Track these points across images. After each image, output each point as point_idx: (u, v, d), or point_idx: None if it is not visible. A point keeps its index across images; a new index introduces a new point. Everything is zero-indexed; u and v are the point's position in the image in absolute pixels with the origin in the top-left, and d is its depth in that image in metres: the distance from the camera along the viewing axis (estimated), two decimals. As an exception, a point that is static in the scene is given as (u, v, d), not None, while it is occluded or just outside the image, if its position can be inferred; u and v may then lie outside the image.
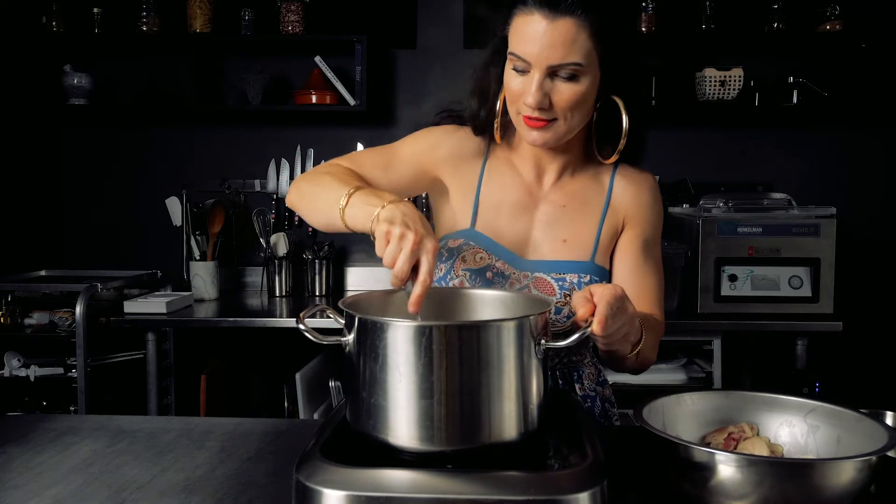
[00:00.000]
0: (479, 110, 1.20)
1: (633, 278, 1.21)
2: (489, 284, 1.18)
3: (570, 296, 1.18)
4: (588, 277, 1.19)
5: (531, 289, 1.18)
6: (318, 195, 1.09)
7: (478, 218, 1.22)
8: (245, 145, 3.15)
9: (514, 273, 1.19)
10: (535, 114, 1.08)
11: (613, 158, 1.18)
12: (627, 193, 1.24)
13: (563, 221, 1.22)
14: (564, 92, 1.07)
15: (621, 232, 1.24)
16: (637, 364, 1.11)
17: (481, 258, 1.19)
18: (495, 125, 1.18)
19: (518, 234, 1.21)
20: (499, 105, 1.16)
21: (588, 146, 1.22)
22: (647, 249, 1.24)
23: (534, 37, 1.04)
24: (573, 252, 1.21)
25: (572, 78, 1.06)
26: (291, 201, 1.18)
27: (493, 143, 1.24)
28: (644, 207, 1.24)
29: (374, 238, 0.92)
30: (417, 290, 0.87)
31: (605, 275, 1.22)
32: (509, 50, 1.09)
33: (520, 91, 1.08)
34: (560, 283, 1.18)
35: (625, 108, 1.13)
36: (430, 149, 1.24)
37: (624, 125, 1.14)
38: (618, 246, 1.24)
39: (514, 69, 1.08)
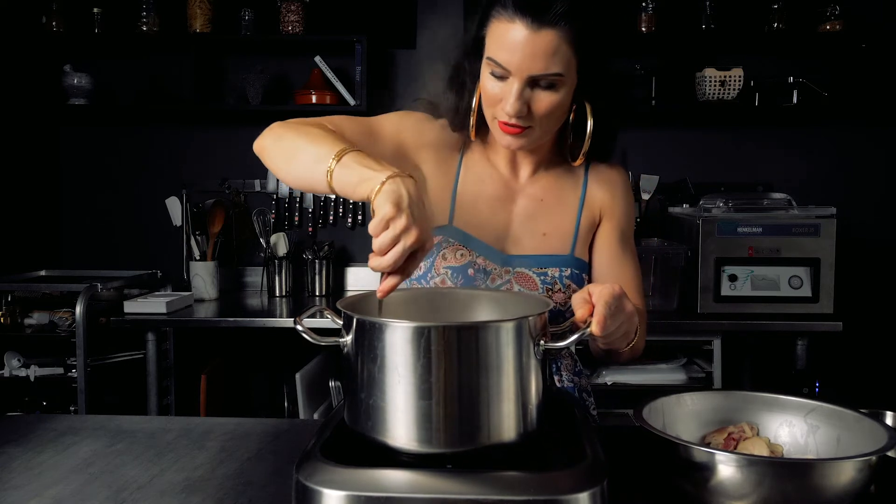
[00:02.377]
0: (457, 106, 1.18)
1: (613, 269, 1.22)
2: (471, 281, 1.17)
3: (551, 290, 1.18)
4: (569, 271, 1.19)
5: (513, 284, 1.18)
6: (302, 147, 1.00)
7: (455, 214, 1.21)
8: (245, 145, 3.11)
9: (495, 269, 1.19)
10: (513, 121, 1.06)
11: (579, 161, 1.18)
12: (603, 187, 1.25)
13: (541, 215, 1.22)
14: (543, 100, 1.06)
15: (598, 225, 1.25)
16: (630, 355, 1.12)
17: (462, 255, 1.18)
18: (471, 123, 1.16)
19: (497, 228, 1.21)
20: (474, 103, 1.14)
21: (561, 142, 1.22)
22: (624, 240, 1.25)
23: (514, 46, 1.02)
24: (553, 245, 1.21)
25: (551, 87, 1.05)
26: (263, 146, 1.08)
27: (468, 137, 1.22)
28: (619, 200, 1.25)
29: (373, 212, 0.84)
30: (392, 281, 0.83)
31: (585, 267, 1.23)
32: (487, 54, 1.07)
33: (497, 97, 1.07)
34: (542, 277, 1.19)
35: (592, 113, 1.13)
36: (415, 133, 1.21)
37: (588, 129, 1.13)
38: (596, 239, 1.25)
39: (492, 74, 1.06)
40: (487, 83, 1.08)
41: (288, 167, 1.03)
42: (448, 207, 1.21)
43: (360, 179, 0.88)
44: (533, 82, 1.04)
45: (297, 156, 1.00)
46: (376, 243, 0.82)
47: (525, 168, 1.24)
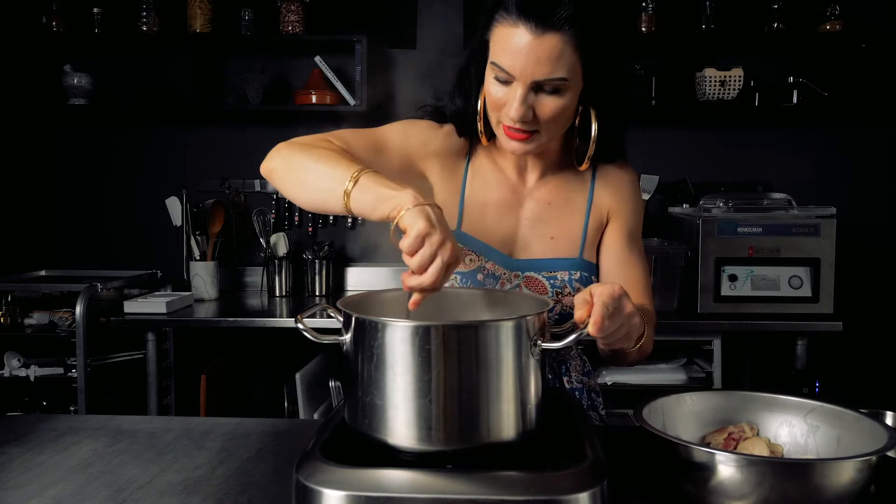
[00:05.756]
0: (464, 110, 1.17)
1: (621, 270, 1.22)
2: (481, 286, 1.17)
3: (561, 293, 1.18)
4: (578, 274, 1.19)
5: (522, 288, 1.18)
6: (314, 169, 0.99)
7: (464, 219, 1.20)
8: (245, 145, 3.15)
9: (504, 273, 1.19)
10: (518, 125, 1.06)
11: (585, 166, 1.17)
12: (610, 188, 1.24)
13: (549, 218, 1.22)
14: (548, 105, 1.04)
15: (605, 226, 1.24)
16: (638, 357, 1.12)
17: (471, 260, 1.18)
18: (479, 128, 1.15)
19: (505, 232, 1.21)
20: (479, 106, 1.13)
21: (568, 145, 1.22)
22: (632, 241, 1.24)
23: (518, 51, 1.01)
24: (562, 249, 1.21)
25: (556, 91, 1.04)
26: (271, 168, 1.06)
27: (475, 142, 1.22)
28: (626, 200, 1.25)
29: (393, 233, 0.85)
30: (423, 295, 0.85)
31: (594, 270, 1.22)
32: (491, 59, 1.05)
33: (502, 101, 1.06)
34: (551, 281, 1.18)
35: (596, 118, 1.12)
36: (421, 143, 1.20)
37: (593, 133, 1.12)
38: (603, 240, 1.24)
39: (497, 79, 1.05)
40: (492, 88, 1.07)
41: (301, 190, 1.02)
42: (456, 213, 1.21)
43: (379, 200, 0.89)
44: (537, 87, 1.03)
45: (309, 178, 0.99)
46: (415, 261, 0.82)
47: (532, 172, 1.23)
